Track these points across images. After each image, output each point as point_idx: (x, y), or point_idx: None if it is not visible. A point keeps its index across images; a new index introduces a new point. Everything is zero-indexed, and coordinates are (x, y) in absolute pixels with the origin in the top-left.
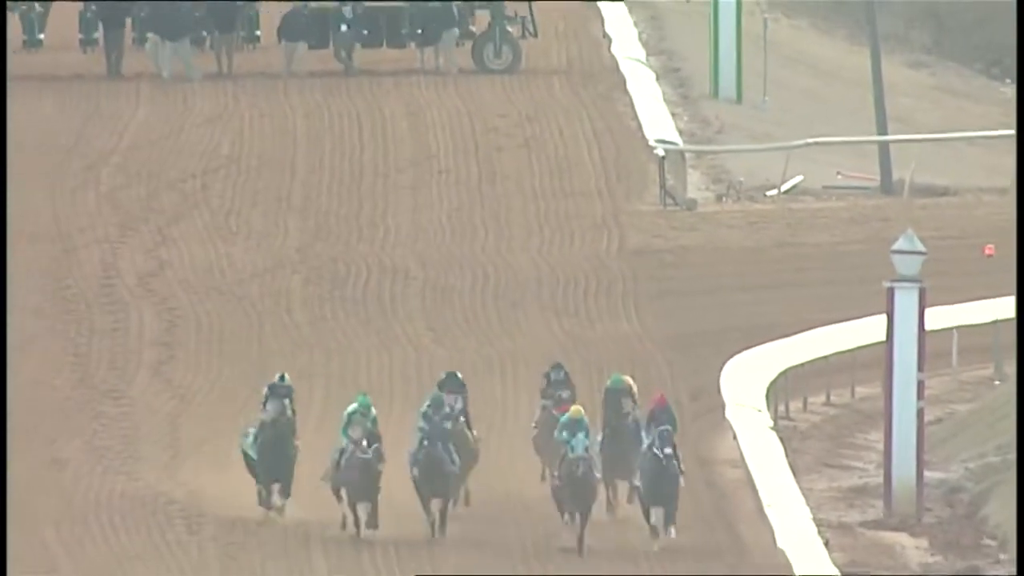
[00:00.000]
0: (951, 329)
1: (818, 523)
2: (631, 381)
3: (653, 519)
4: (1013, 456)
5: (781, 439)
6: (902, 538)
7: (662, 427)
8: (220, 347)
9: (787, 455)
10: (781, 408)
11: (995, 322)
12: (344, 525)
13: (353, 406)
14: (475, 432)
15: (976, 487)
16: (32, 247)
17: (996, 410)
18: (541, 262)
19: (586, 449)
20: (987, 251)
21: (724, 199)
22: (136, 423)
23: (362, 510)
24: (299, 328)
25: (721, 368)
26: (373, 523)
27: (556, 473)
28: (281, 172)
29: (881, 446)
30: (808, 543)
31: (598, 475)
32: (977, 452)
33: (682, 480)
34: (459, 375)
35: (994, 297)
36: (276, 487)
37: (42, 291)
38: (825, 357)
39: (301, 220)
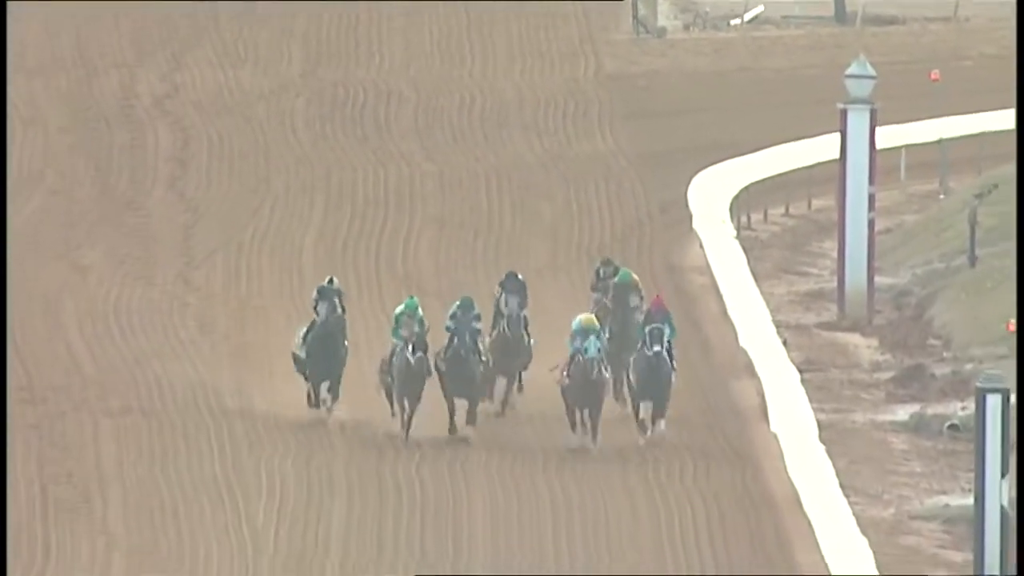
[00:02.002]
0: (899, 147)
1: (777, 324)
2: (637, 277)
3: (642, 414)
4: (957, 263)
5: (743, 248)
6: (854, 338)
7: (653, 325)
8: (229, 163)
9: (749, 262)
10: (744, 219)
11: (940, 140)
12: (397, 419)
13: (401, 308)
14: (533, 340)
15: (922, 291)
16: (57, 72)
17: (941, 220)
18: (523, 86)
19: (599, 351)
20: (932, 76)
21: (691, 28)
22: (153, 233)
23: (408, 408)
24: (302, 146)
25: (689, 183)
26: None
27: (567, 373)
28: (285, 1)
29: (835, 254)
30: (768, 342)
31: (609, 376)
32: (923, 259)
33: (674, 377)
34: (519, 276)
35: (939, 117)
36: (325, 386)
37: (66, 112)
38: (784, 173)
39: (303, 47)
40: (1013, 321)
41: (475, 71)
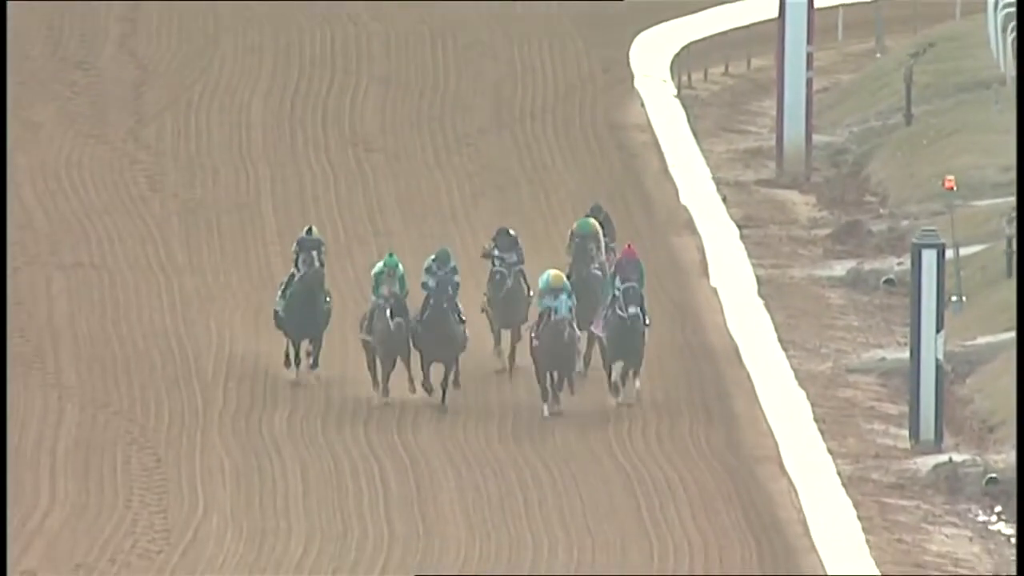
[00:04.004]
0: (836, 7)
1: (717, 182)
2: (598, 226)
3: (615, 375)
4: (893, 121)
5: (684, 106)
6: (792, 195)
7: (628, 284)
8: (179, 22)
9: (689, 120)
10: (684, 78)
11: (876, 0)
12: (375, 382)
13: (379, 266)
14: (531, 292)
15: (859, 149)
16: None
17: (878, 79)
18: None
19: (570, 311)
20: None
21: None
22: (104, 91)
23: (385, 370)
24: (249, 6)
25: (631, 42)
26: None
27: (535, 334)
28: None
29: (774, 112)
30: (708, 199)
31: (579, 335)
32: (860, 117)
33: (647, 335)
34: (511, 231)
35: None
36: (305, 344)
37: None
38: (724, 32)
39: None
40: (950, 177)
41: None
